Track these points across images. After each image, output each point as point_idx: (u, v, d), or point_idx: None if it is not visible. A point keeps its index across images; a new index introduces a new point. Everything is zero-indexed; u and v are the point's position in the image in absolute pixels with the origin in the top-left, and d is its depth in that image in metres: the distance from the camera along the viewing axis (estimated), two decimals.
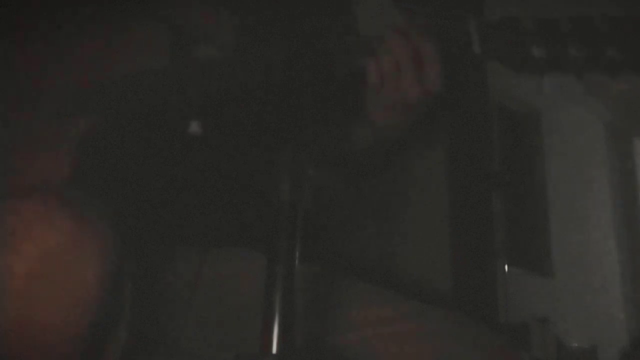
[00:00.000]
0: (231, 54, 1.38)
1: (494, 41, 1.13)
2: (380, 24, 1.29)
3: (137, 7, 1.37)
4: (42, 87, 1.32)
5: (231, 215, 1.41)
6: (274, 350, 1.01)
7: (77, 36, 1.35)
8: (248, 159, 1.41)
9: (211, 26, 1.42)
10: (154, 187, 1.36)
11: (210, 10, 1.44)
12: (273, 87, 1.20)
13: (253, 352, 1.03)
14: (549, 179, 5.42)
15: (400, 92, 1.21)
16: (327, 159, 1.46)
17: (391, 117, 1.27)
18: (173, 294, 1.35)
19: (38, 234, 1.02)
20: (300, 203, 1.07)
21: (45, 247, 1.02)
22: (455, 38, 1.17)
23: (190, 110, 1.32)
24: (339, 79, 1.25)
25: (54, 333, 1.02)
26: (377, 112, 1.28)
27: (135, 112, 1.32)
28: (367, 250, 2.37)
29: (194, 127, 1.30)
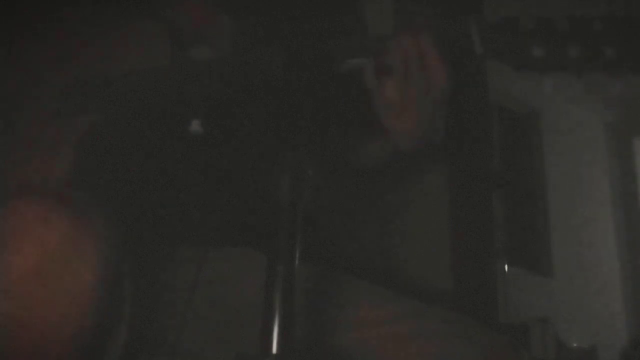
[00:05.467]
0: (231, 54, 1.38)
1: (495, 41, 1.14)
2: (384, 25, 1.30)
3: (136, 7, 1.37)
4: (42, 87, 1.32)
5: (231, 215, 1.41)
6: (274, 350, 1.01)
7: (76, 36, 1.35)
8: (248, 159, 1.41)
9: (211, 27, 1.42)
10: (153, 187, 1.36)
11: (211, 11, 1.44)
12: (273, 87, 1.19)
13: (253, 352, 1.03)
14: (549, 179, 5.41)
15: (403, 91, 1.21)
16: (332, 160, 1.45)
17: (399, 122, 1.26)
18: (173, 294, 1.35)
19: (38, 234, 1.02)
20: (300, 203, 1.07)
21: (45, 247, 1.02)
22: (457, 38, 1.18)
23: (190, 110, 1.32)
24: (341, 80, 1.25)
25: (53, 333, 1.02)
26: (385, 116, 1.27)
27: (136, 112, 1.32)
28: (367, 250, 2.37)
29: (194, 126, 1.30)
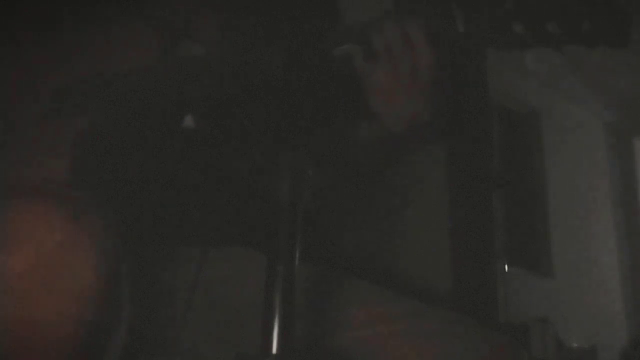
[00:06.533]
0: (230, 54, 1.38)
1: (477, 19, 1.19)
2: (367, 11, 1.32)
3: (134, 7, 1.37)
4: (41, 87, 1.32)
5: (231, 215, 1.40)
6: (274, 350, 1.01)
7: (75, 36, 1.35)
8: (248, 159, 1.41)
9: (207, 26, 1.42)
10: (153, 187, 1.36)
11: (205, 11, 1.44)
12: (273, 87, 1.20)
13: (253, 352, 1.03)
14: (549, 179, 5.43)
15: (391, 74, 1.23)
16: (331, 158, 1.46)
17: (391, 105, 1.27)
18: (173, 294, 1.35)
19: (37, 234, 1.02)
20: (300, 203, 1.07)
21: (44, 247, 1.02)
22: (439, 18, 1.22)
23: (189, 110, 1.32)
24: (337, 75, 1.26)
25: (53, 333, 1.02)
26: (374, 100, 1.28)
27: (135, 112, 1.32)
28: (367, 250, 2.37)
29: (187, 122, 1.31)
